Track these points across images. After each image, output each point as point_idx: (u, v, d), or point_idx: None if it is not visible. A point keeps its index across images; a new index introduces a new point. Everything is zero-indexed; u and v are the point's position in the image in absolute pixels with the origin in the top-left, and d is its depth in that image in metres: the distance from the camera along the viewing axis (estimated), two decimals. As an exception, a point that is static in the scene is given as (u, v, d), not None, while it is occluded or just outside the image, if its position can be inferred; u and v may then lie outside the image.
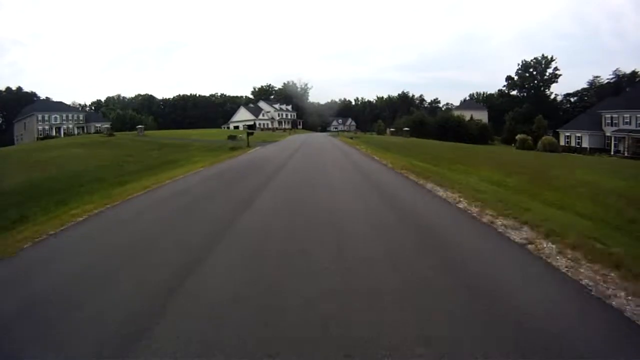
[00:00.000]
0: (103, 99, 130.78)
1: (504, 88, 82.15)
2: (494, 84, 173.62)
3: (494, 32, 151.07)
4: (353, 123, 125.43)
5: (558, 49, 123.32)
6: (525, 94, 78.99)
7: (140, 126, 45.48)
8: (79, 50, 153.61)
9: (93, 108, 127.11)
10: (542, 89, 77.92)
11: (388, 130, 62.52)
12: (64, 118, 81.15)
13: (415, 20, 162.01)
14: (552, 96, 79.42)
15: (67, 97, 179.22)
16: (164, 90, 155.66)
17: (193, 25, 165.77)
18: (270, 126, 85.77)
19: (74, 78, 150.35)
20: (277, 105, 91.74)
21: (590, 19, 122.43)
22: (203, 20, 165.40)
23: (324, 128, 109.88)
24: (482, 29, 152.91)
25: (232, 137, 36.40)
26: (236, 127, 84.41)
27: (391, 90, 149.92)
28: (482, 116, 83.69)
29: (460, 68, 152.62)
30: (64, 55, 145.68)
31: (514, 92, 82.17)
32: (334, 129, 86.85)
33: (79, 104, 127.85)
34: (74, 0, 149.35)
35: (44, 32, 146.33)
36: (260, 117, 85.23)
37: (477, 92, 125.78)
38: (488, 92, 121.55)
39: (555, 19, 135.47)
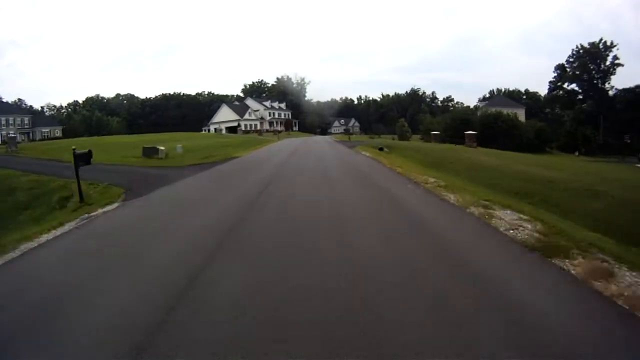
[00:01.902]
0: (83, 99, 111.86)
1: (554, 79, 62.31)
2: (495, 84, 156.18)
3: (495, 33, 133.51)
4: (357, 124, 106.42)
5: (557, 50, 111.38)
6: (580, 88, 59.54)
7: (12, 135, 26.25)
8: (58, 50, 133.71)
9: (71, 109, 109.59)
10: (598, 82, 58.57)
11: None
12: (3, 123, 61.96)
13: (413, 22, 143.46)
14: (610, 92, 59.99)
15: (41, 99, 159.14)
16: (150, 89, 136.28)
17: (186, 24, 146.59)
18: (258, 127, 66.55)
19: (53, 79, 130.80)
20: (267, 103, 72.45)
21: (588, 21, 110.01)
22: (196, 18, 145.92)
23: (324, 130, 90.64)
24: (482, 31, 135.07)
25: (149, 151, 17.55)
26: (217, 130, 65.57)
27: (391, 92, 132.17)
28: (519, 116, 64.84)
29: (460, 70, 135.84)
30: (44, 55, 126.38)
31: (562, 86, 62.40)
32: (346, 131, 66.91)
33: (54, 105, 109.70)
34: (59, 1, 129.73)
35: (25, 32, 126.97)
36: (247, 116, 66.10)
37: (497, 89, 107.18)
38: (510, 89, 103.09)
39: (554, 20, 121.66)
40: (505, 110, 60.50)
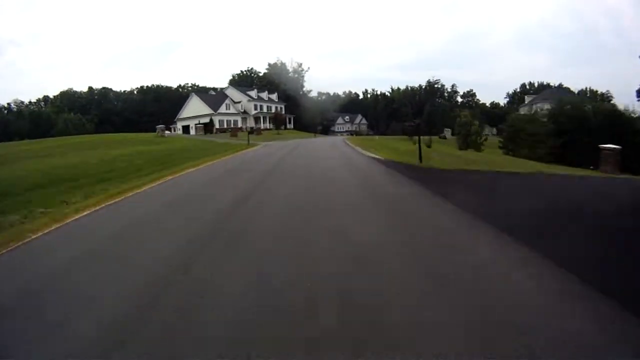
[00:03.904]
0: (58, 93, 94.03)
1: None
2: (497, 82, 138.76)
3: (497, 30, 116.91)
4: (364, 121, 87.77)
5: (557, 48, 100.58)
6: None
7: None
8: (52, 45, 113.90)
9: (43, 105, 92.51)
10: None
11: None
12: None
13: (414, 19, 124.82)
14: None
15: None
16: (133, 83, 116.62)
17: (179, 15, 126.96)
18: (239, 124, 47.85)
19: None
20: (253, 93, 53.38)
21: (588, 18, 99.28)
22: (189, 9, 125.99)
23: (326, 128, 71.79)
24: (487, 27, 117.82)
25: None
26: (186, 128, 46.93)
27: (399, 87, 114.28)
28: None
29: (460, 67, 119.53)
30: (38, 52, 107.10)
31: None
32: (409, 132, 46.43)
33: (21, 102, 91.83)
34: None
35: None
36: (223, 110, 47.17)
37: (529, 82, 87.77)
38: (542, 83, 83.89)
39: (555, 17, 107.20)
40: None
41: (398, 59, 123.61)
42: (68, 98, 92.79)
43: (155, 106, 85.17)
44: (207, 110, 45.74)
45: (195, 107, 47.28)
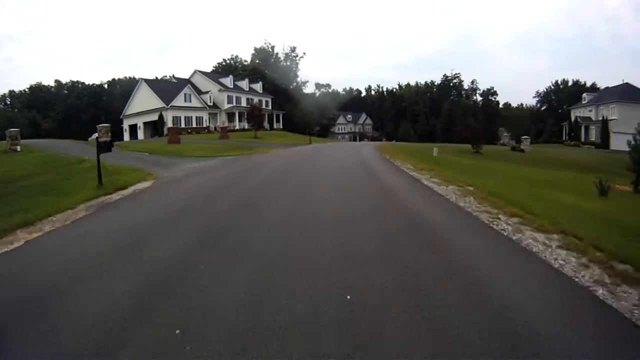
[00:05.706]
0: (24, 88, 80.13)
1: None
2: (495, 82, 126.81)
3: (496, 31, 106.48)
4: (368, 121, 73.70)
5: (555, 51, 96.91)
6: None
7: None
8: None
9: (9, 101, 79.05)
10: None
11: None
12: None
13: (412, 19, 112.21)
14: None
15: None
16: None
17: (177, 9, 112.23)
18: (205, 122, 33.76)
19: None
20: (227, 81, 39.08)
21: (587, 22, 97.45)
22: (190, 8, 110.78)
23: (324, 128, 57.66)
24: (486, 29, 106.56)
25: None
26: (133, 128, 32.76)
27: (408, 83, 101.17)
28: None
29: (459, 68, 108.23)
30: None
31: None
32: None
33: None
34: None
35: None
36: (180, 102, 32.91)
37: (563, 79, 73.20)
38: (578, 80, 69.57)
39: (552, 21, 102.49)
40: None
41: (397, 59, 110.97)
42: (35, 93, 78.91)
43: (119, 100, 71.18)
44: (157, 103, 31.51)
45: (143, 100, 33.08)
